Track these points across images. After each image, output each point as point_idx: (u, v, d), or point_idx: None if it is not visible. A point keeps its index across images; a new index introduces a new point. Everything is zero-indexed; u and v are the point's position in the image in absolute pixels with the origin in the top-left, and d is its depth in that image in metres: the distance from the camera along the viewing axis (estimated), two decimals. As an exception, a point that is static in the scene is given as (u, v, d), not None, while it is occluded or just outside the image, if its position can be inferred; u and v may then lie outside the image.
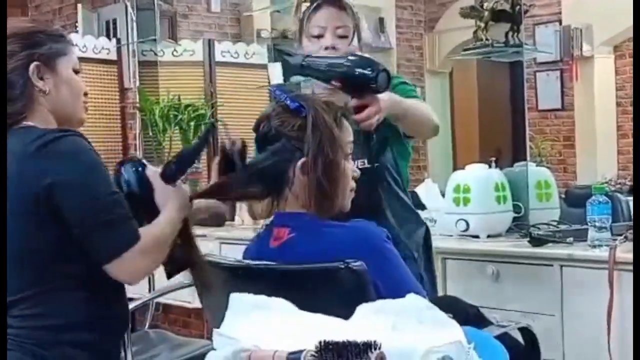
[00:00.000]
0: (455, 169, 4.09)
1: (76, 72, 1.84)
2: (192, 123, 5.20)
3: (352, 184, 1.83)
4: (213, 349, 1.47)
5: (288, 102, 1.76)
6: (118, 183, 1.77)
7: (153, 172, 1.78)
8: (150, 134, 5.21)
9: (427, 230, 2.38)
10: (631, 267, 2.55)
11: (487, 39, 3.93)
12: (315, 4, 2.28)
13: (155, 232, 1.71)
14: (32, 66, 1.75)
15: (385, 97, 2.04)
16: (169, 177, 1.76)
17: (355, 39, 2.28)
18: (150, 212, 1.75)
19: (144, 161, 1.83)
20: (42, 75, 1.77)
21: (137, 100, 5.34)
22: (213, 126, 1.85)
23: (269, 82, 5.65)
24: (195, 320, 4.52)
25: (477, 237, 3.22)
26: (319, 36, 2.25)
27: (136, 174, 1.77)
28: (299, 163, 1.73)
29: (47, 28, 1.83)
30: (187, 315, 4.64)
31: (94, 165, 1.69)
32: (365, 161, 2.20)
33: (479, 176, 3.32)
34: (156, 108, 5.15)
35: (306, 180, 1.73)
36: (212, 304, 1.82)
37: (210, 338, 1.50)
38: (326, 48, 2.22)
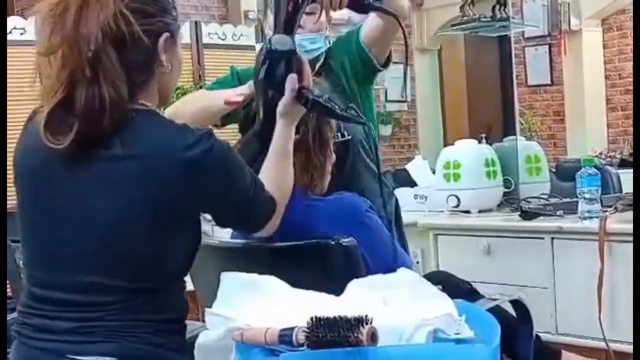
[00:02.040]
0: (445, 145, 4.08)
1: None
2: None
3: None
4: (206, 328, 1.47)
5: None
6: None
7: (293, 82, 1.64)
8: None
9: (397, 201, 2.38)
10: (621, 238, 2.57)
11: (474, 14, 3.92)
12: None
13: (282, 187, 1.63)
14: (164, 36, 1.50)
15: None
16: (300, 98, 1.65)
17: (324, 15, 2.17)
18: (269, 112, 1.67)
19: (300, 55, 1.68)
20: (167, 49, 1.51)
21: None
22: (364, 123, 1.73)
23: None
24: (190, 303, 4.52)
25: (468, 212, 3.23)
26: None
27: (281, 69, 1.65)
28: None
29: None
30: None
31: (239, 165, 1.55)
32: (338, 135, 2.20)
33: (469, 152, 3.32)
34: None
35: (299, 157, 1.74)
36: (204, 285, 1.83)
37: (205, 320, 1.51)
38: None
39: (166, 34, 1.51)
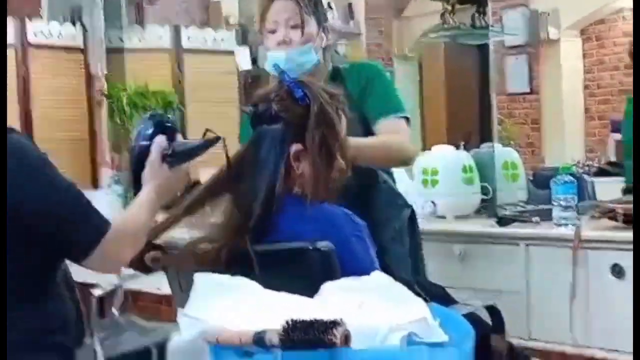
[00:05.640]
0: (424, 151, 4.09)
1: None
2: (160, 110, 5.18)
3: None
4: (179, 330, 1.47)
5: (293, 88, 1.76)
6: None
7: (158, 143, 1.72)
8: (118, 121, 5.18)
9: (413, 212, 2.36)
10: (596, 245, 2.59)
11: (454, 22, 3.94)
12: None
13: (126, 218, 1.66)
14: None
15: None
16: (163, 157, 1.72)
17: (312, 26, 2.21)
18: (137, 180, 1.72)
19: (170, 124, 1.75)
20: None
21: (105, 87, 5.30)
22: (218, 139, 1.76)
23: (237, 69, 5.64)
24: (165, 307, 4.49)
25: (444, 217, 3.24)
26: (274, 31, 2.19)
27: (144, 136, 1.72)
28: (294, 149, 1.74)
29: None
30: (157, 301, 4.61)
31: (44, 165, 1.59)
32: None
33: (447, 158, 3.33)
34: (123, 95, 5.12)
35: (300, 166, 1.74)
36: (180, 287, 1.82)
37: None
38: (279, 43, 2.17)
39: None
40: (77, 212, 1.58)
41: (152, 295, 4.34)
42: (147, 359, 2.66)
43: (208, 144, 1.74)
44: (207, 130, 1.73)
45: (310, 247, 1.66)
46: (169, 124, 1.76)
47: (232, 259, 1.70)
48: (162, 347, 2.69)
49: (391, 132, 2.23)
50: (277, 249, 1.69)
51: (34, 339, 1.58)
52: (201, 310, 1.44)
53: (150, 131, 1.73)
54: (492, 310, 2.03)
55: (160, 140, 1.73)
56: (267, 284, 1.53)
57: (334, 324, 1.29)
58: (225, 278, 1.52)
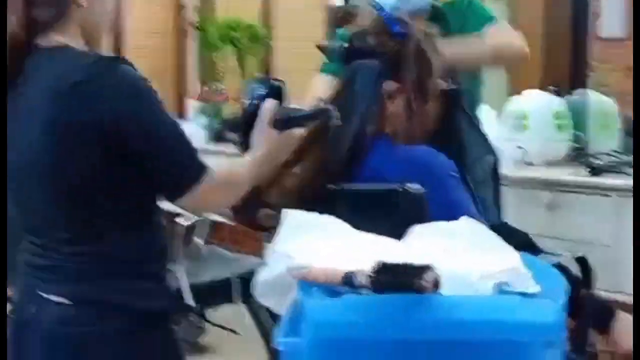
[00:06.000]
0: (510, 95, 3.99)
1: None
2: (246, 42, 5.18)
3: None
4: (266, 264, 1.47)
5: (390, 23, 1.74)
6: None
7: (268, 107, 1.70)
8: (206, 52, 5.20)
9: (497, 160, 2.32)
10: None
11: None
12: None
13: (229, 171, 1.65)
14: None
15: None
16: (273, 122, 1.71)
17: None
18: (245, 141, 1.72)
19: (281, 89, 1.74)
20: None
21: (194, 18, 5.31)
22: (327, 110, 1.75)
23: (327, 5, 5.58)
24: (246, 238, 4.54)
25: (532, 164, 3.17)
26: None
27: (256, 96, 1.72)
28: (388, 86, 1.73)
29: None
30: (238, 233, 4.67)
31: (155, 97, 1.55)
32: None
33: (538, 102, 3.26)
34: (213, 26, 5.13)
35: (392, 105, 1.73)
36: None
37: (262, 257, 1.50)
38: None
39: None
40: (180, 151, 1.57)
41: (233, 227, 4.39)
42: (227, 289, 2.70)
43: (317, 115, 1.73)
44: (318, 100, 1.73)
45: (400, 189, 1.63)
46: (280, 89, 1.74)
47: (319, 197, 1.70)
48: (243, 279, 2.74)
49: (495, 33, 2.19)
50: (365, 190, 1.68)
51: (135, 266, 1.59)
52: (290, 246, 1.44)
53: (261, 92, 1.72)
54: (580, 261, 1.98)
55: (271, 103, 1.71)
56: (354, 225, 1.52)
57: (425, 268, 1.27)
58: (314, 216, 1.51)
